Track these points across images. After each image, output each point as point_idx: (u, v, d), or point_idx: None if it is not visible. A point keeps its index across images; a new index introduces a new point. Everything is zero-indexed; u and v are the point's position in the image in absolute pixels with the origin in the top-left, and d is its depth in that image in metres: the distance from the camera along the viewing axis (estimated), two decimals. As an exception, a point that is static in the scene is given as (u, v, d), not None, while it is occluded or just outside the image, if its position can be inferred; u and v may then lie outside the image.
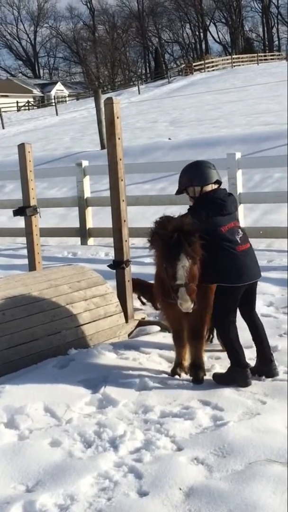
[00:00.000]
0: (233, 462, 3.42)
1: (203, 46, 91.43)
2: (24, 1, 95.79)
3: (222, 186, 4.73)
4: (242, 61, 59.46)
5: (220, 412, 4.00)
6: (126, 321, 5.77)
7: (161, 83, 53.10)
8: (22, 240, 9.57)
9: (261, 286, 6.53)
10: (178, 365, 4.73)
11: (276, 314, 6.01)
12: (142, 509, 3.04)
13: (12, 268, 8.59)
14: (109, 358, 4.99)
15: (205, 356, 4.76)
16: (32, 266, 7.09)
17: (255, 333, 4.69)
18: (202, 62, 59.13)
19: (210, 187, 4.58)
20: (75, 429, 3.88)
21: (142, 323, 5.94)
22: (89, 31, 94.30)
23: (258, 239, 9.23)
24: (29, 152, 7.00)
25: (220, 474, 3.31)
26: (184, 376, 4.65)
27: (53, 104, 50.07)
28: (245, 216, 9.98)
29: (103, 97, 11.54)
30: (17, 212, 7.14)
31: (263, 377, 4.54)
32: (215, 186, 4.61)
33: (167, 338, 5.35)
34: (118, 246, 5.81)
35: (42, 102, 67.04)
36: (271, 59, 63.47)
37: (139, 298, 6.58)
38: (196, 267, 4.25)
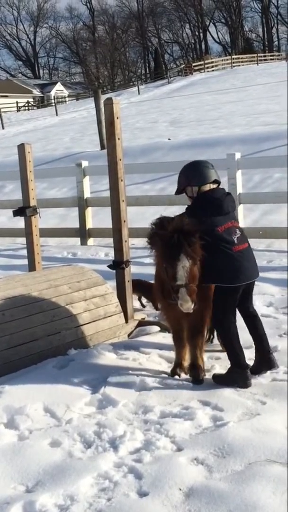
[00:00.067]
0: (233, 462, 3.42)
1: (203, 46, 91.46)
2: (24, 2, 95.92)
3: (222, 187, 4.73)
4: (242, 62, 59.47)
5: (220, 413, 4.00)
6: (126, 321, 5.77)
7: (161, 83, 53.13)
8: (22, 240, 9.57)
9: (260, 286, 6.57)
10: (178, 365, 4.73)
11: (276, 315, 6.01)
12: (142, 510, 3.04)
13: (12, 268, 8.60)
14: (109, 358, 4.99)
15: (205, 356, 4.76)
16: (32, 267, 7.09)
17: (251, 322, 4.69)
18: (202, 62, 59.12)
19: (208, 187, 4.58)
20: (75, 429, 3.88)
21: (142, 323, 5.94)
22: (89, 32, 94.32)
23: (258, 239, 9.23)
24: (29, 152, 7.00)
25: (220, 475, 3.31)
26: (184, 376, 4.65)
27: (53, 104, 50.09)
28: (245, 217, 9.99)
29: (103, 98, 11.55)
30: (17, 213, 7.14)
31: (264, 374, 4.54)
32: (213, 186, 4.61)
33: (167, 338, 5.35)
34: (118, 247, 5.81)
35: (42, 103, 67.06)
36: (271, 59, 63.49)
37: (139, 299, 6.59)
38: (196, 267, 4.25)
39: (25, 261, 7.45)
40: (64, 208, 12.58)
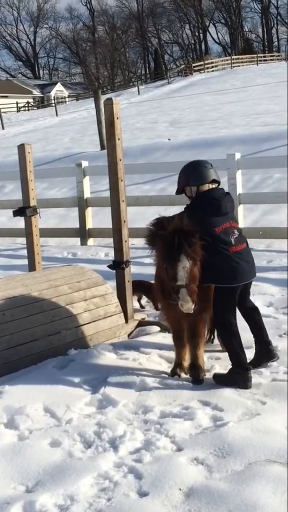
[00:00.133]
0: (233, 462, 3.42)
1: (203, 46, 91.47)
2: (23, 2, 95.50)
3: (221, 187, 4.73)
4: (242, 62, 59.46)
5: (220, 413, 4.00)
6: (126, 321, 5.77)
7: (161, 83, 53.15)
8: (22, 240, 9.57)
9: (260, 286, 6.57)
10: (178, 365, 4.73)
11: (276, 315, 6.01)
12: (142, 510, 3.04)
13: (12, 268, 8.60)
14: (109, 358, 4.99)
15: (205, 357, 4.77)
16: (32, 267, 7.10)
17: (249, 314, 4.71)
18: (202, 62, 59.09)
19: (206, 187, 4.58)
20: (75, 429, 3.88)
21: (142, 323, 5.94)
22: (89, 32, 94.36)
23: (257, 239, 9.24)
24: (29, 152, 7.00)
25: (220, 475, 3.31)
26: (184, 376, 4.65)
27: (53, 104, 50.12)
28: (245, 217, 9.99)
29: (103, 98, 11.53)
30: (17, 213, 7.14)
31: (264, 374, 4.54)
32: (212, 186, 4.61)
33: (167, 338, 5.35)
34: (118, 247, 5.81)
35: (42, 103, 67.05)
36: (271, 59, 63.49)
37: (138, 301, 6.58)
38: (197, 268, 4.25)
39: (25, 261, 7.45)
40: (64, 208, 12.58)
